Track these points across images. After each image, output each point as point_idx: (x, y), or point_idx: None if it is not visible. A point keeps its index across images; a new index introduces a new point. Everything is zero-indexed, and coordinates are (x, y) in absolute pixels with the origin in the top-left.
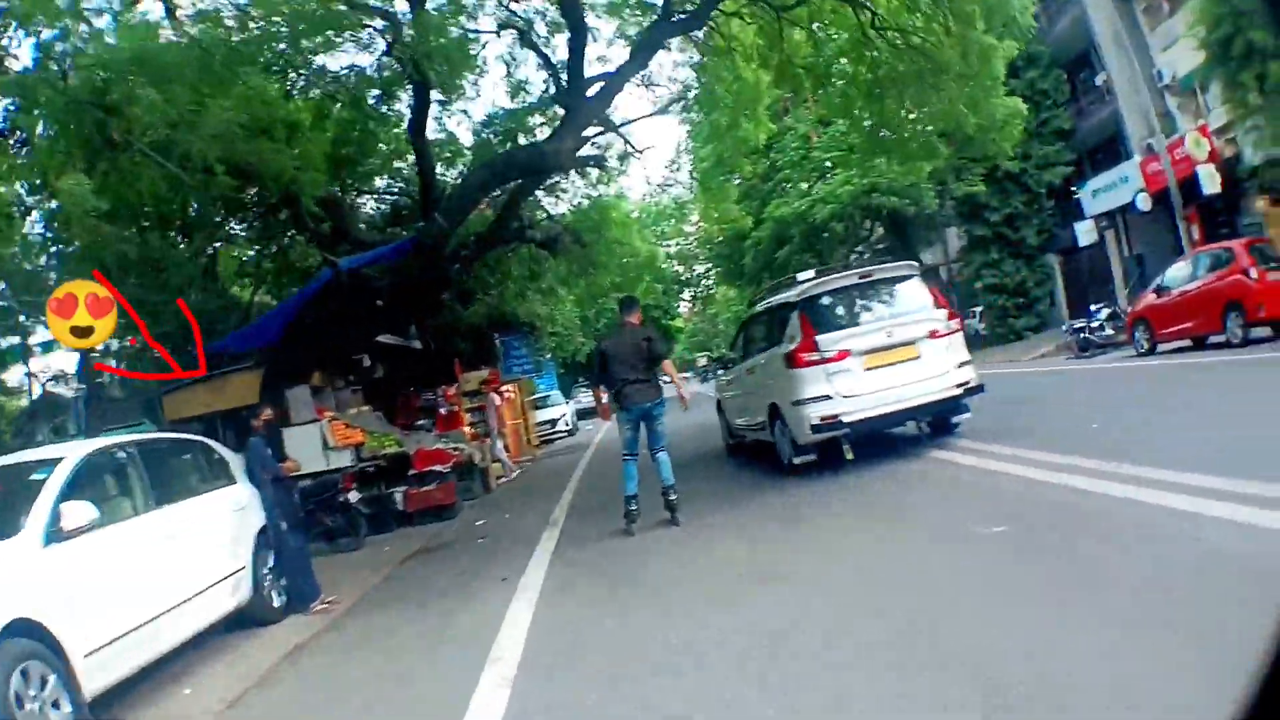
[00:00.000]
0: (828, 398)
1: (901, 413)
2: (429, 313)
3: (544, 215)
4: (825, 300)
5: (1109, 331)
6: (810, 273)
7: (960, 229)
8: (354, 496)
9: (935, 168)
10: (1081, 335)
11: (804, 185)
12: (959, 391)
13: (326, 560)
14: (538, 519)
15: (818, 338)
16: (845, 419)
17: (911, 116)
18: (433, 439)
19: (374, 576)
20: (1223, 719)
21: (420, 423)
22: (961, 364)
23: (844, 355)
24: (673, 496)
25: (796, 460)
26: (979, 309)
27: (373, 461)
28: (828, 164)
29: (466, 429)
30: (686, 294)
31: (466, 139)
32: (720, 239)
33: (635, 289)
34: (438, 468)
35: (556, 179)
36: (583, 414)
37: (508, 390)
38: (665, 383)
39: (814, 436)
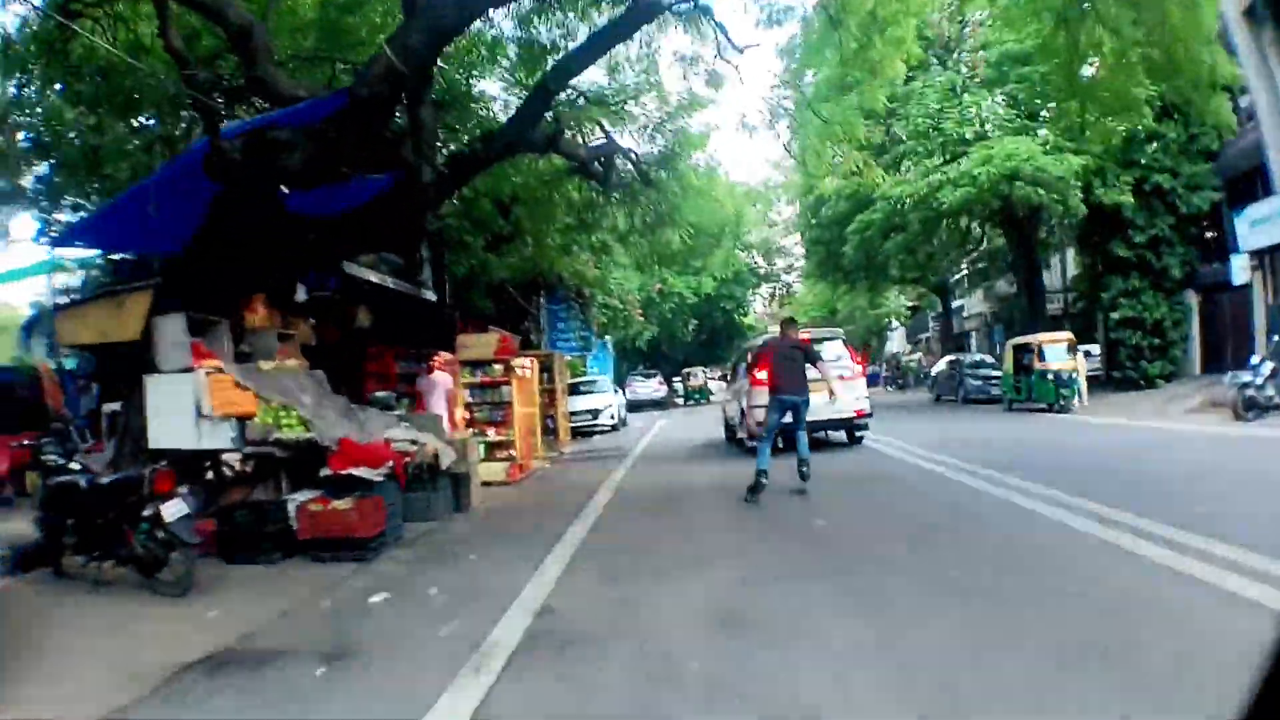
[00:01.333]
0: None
1: (820, 422)
2: (403, 237)
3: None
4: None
5: (1270, 392)
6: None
7: (1079, 252)
8: (172, 510)
9: (1084, 165)
10: (1246, 393)
11: (930, 161)
12: (855, 414)
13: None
14: (512, 574)
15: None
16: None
17: (1106, 48)
18: (384, 424)
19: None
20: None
21: (380, 394)
22: (859, 398)
23: None
24: (804, 468)
25: (749, 443)
26: (1094, 346)
27: (259, 447)
28: (967, 134)
29: (457, 415)
30: (764, 289)
31: None
32: (827, 201)
33: (711, 256)
34: (363, 472)
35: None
36: (635, 406)
37: (524, 364)
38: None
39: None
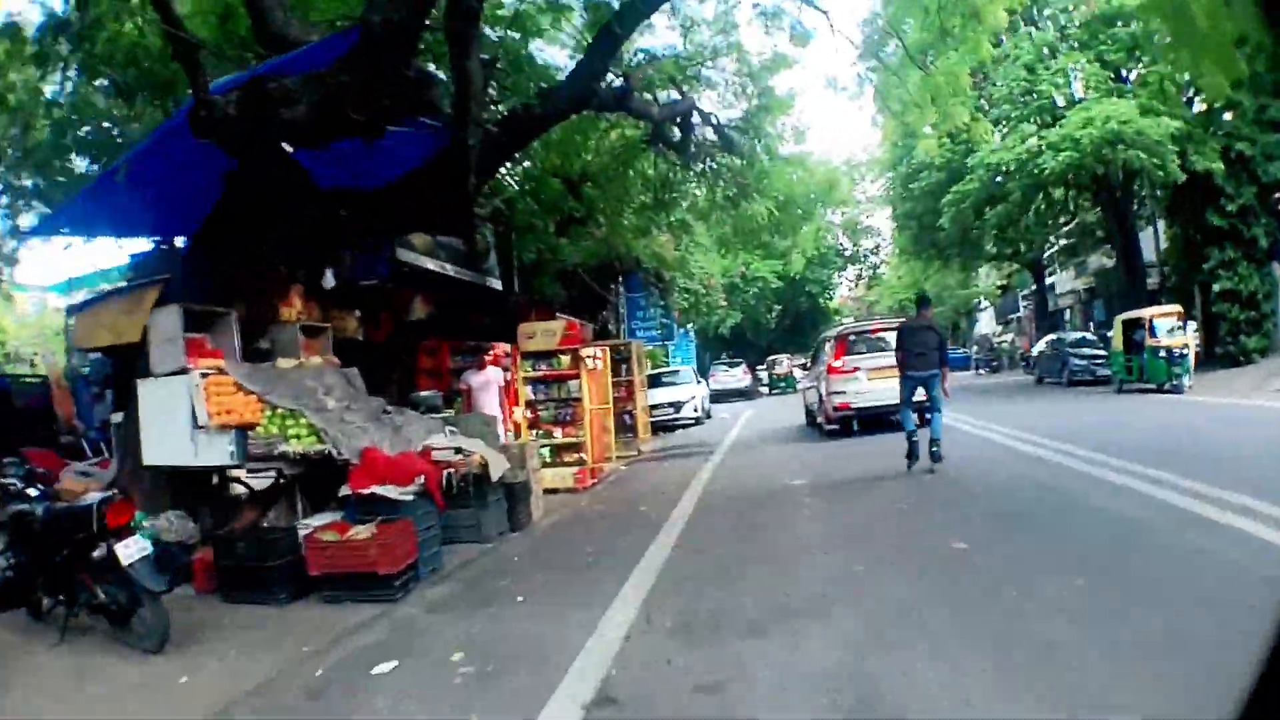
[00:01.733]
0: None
1: (884, 407)
2: (452, 214)
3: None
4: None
5: None
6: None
7: (1169, 223)
8: (128, 551)
9: (1179, 129)
10: None
11: (1026, 127)
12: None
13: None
14: (566, 627)
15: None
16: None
17: None
18: (425, 429)
19: None
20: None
21: (425, 394)
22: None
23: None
24: (935, 448)
25: (827, 427)
26: (1193, 322)
27: (264, 462)
28: (1058, 99)
29: (515, 416)
30: (850, 271)
31: None
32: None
33: (800, 230)
34: (389, 490)
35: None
36: (719, 397)
37: (595, 354)
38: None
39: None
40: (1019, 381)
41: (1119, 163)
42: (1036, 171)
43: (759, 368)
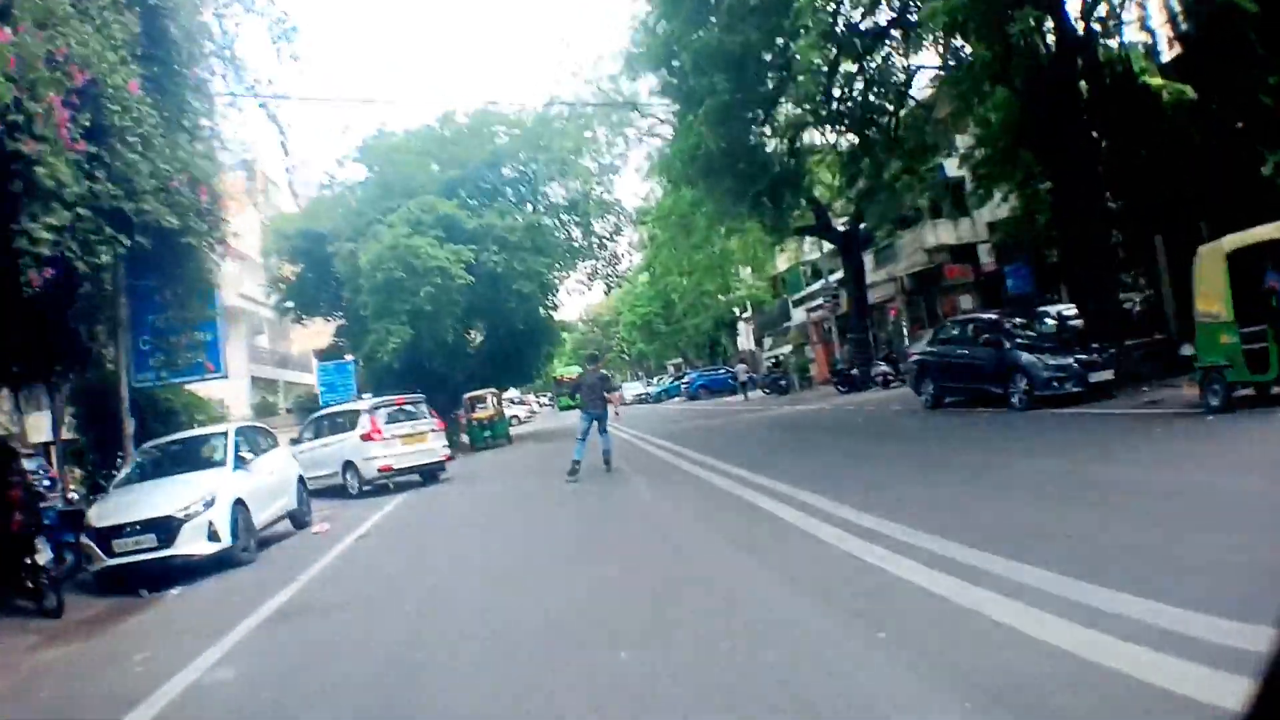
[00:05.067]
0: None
1: (413, 467)
2: None
3: None
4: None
5: None
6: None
7: None
8: None
9: None
10: None
11: None
12: (441, 460)
13: None
14: None
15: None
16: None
17: None
18: None
19: None
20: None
21: None
22: (444, 446)
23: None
24: (606, 460)
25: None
26: None
27: None
28: None
29: None
30: (582, 269)
31: None
32: None
33: None
34: None
35: None
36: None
37: None
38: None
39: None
40: (877, 407)
41: None
42: None
43: (456, 413)
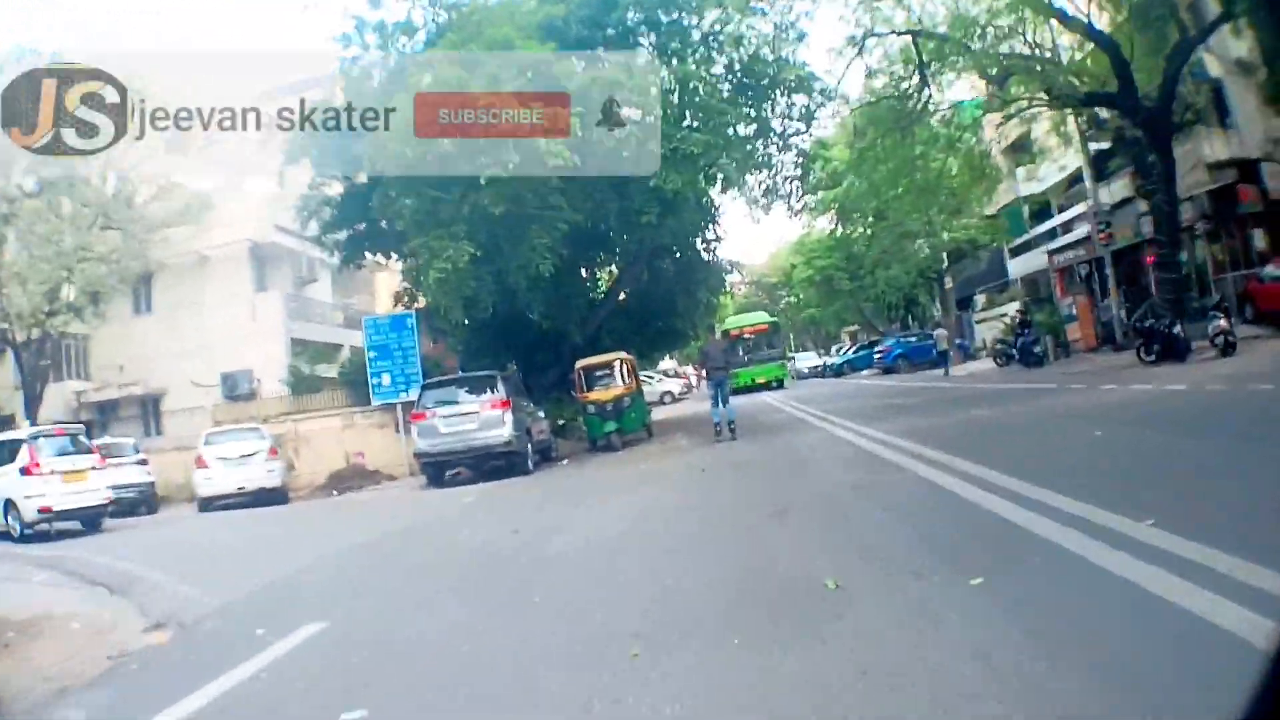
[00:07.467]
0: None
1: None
2: None
3: None
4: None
5: None
6: None
7: None
8: None
9: None
10: None
11: None
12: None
13: None
14: None
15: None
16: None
17: None
18: None
19: None
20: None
21: None
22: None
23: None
24: (731, 426)
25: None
26: None
27: None
28: None
29: None
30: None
31: None
32: None
33: None
34: None
35: None
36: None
37: None
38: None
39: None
40: None
41: None
42: None
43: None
